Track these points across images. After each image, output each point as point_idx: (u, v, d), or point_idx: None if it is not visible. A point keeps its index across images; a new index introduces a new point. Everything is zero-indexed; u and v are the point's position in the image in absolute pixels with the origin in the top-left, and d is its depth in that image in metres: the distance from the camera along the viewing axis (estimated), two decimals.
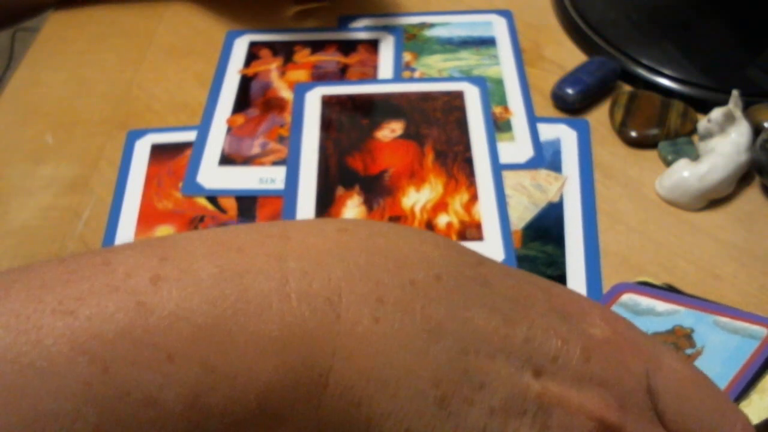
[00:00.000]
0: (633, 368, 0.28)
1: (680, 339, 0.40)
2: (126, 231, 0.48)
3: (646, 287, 0.44)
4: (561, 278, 0.45)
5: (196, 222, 0.48)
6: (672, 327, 0.41)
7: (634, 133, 0.53)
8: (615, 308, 0.42)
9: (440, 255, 0.28)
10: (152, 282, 0.24)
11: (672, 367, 0.28)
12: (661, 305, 0.43)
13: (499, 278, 0.28)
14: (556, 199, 0.50)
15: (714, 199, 0.49)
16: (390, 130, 0.54)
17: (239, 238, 0.26)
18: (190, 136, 0.55)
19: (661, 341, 0.34)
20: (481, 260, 0.29)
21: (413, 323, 0.26)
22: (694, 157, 0.50)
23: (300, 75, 0.59)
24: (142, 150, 0.53)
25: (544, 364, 0.27)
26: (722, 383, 0.36)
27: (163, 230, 0.48)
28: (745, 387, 0.36)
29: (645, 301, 0.43)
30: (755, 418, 0.35)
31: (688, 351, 0.39)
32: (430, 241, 0.28)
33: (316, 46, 0.62)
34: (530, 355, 0.26)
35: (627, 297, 0.43)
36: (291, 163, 0.52)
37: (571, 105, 0.54)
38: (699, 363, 0.38)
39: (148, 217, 0.49)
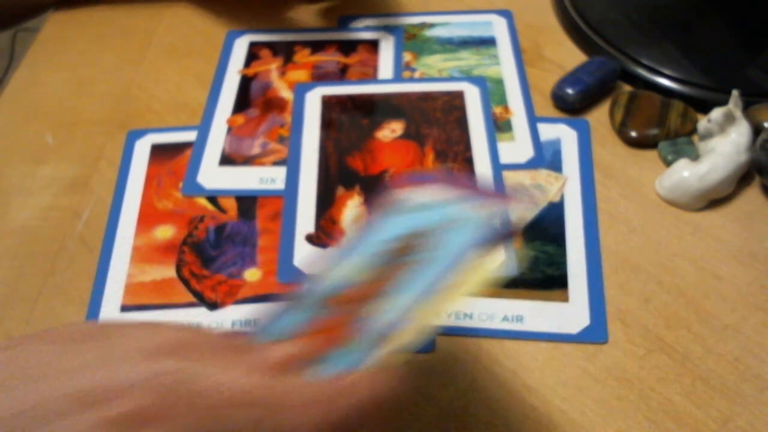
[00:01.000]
0: None
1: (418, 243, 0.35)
2: (126, 231, 0.48)
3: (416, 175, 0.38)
4: (562, 278, 0.45)
5: (196, 222, 0.48)
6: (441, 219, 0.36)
7: (634, 133, 0.53)
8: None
9: None
10: None
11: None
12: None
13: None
14: (556, 199, 0.50)
15: (714, 199, 0.49)
16: (390, 130, 0.54)
17: None
18: (190, 136, 0.54)
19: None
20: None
21: None
22: (694, 157, 0.50)
23: (300, 75, 0.59)
24: (142, 150, 0.53)
25: None
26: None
27: (163, 230, 0.48)
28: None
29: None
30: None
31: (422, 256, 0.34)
32: None
33: (316, 46, 0.62)
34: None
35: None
36: (291, 163, 0.52)
37: (571, 105, 0.54)
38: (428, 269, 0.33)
39: (148, 217, 0.49)
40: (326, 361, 0.30)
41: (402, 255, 0.35)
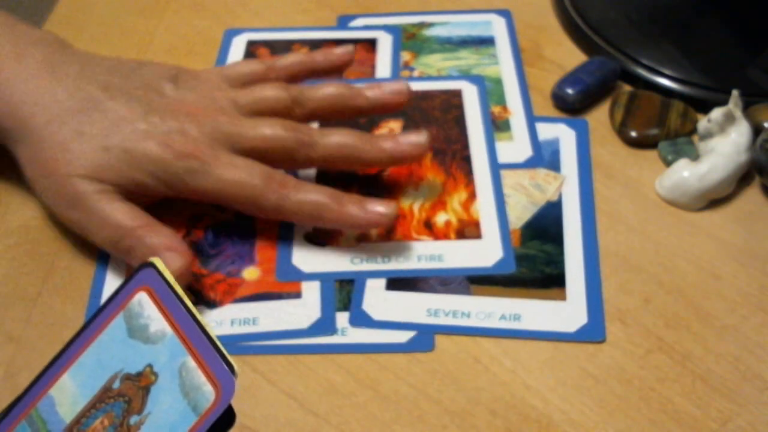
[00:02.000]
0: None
1: (139, 393, 0.32)
2: None
3: (166, 285, 0.33)
4: (560, 277, 0.45)
5: (195, 221, 0.48)
6: (145, 366, 0.32)
7: (634, 133, 0.53)
8: (119, 318, 0.34)
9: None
10: None
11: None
12: (157, 324, 0.33)
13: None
14: (554, 199, 0.50)
15: (714, 199, 0.49)
16: (388, 129, 0.54)
17: None
18: None
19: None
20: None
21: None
22: (694, 157, 0.50)
23: None
24: None
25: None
26: None
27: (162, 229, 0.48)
28: None
29: (147, 313, 0.33)
30: None
31: (133, 419, 0.31)
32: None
33: (314, 45, 0.61)
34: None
35: (139, 298, 0.34)
36: None
37: (571, 105, 0.54)
38: None
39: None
40: None
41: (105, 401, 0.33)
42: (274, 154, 0.46)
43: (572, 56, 0.59)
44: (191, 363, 0.31)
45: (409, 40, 0.61)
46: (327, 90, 0.49)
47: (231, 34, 0.62)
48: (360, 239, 0.47)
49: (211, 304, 0.44)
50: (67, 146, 0.44)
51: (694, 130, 0.53)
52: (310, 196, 0.44)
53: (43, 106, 0.45)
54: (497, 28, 0.62)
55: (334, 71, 0.53)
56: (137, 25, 0.64)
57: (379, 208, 0.44)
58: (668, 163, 0.51)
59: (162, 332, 0.33)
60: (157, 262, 0.34)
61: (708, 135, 0.49)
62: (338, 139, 0.46)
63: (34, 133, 0.45)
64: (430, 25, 0.63)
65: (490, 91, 0.57)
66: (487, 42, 0.61)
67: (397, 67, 0.59)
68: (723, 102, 0.49)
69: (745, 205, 0.49)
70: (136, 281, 0.34)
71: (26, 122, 0.45)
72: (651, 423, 0.39)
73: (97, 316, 0.34)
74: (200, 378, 0.31)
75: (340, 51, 0.53)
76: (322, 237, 0.48)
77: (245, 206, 0.45)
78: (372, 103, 0.49)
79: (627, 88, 0.57)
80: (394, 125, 0.54)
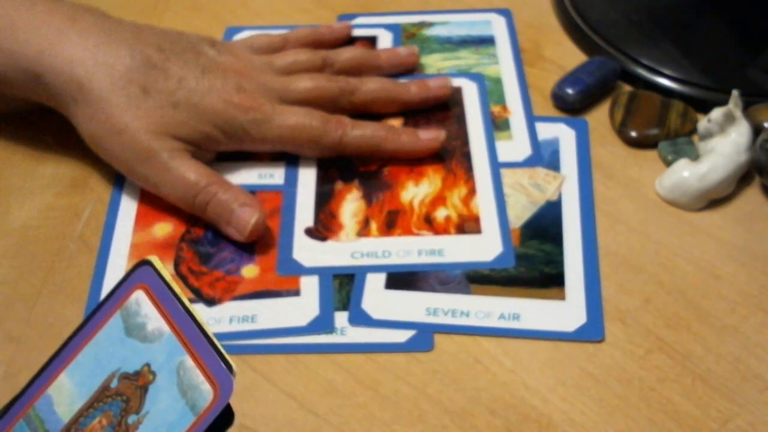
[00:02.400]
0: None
1: (137, 392, 0.32)
2: (124, 229, 0.48)
3: (164, 283, 0.33)
4: (559, 276, 0.45)
5: (194, 220, 0.48)
6: (142, 366, 0.32)
7: (634, 133, 0.52)
8: (115, 316, 0.34)
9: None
10: None
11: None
12: (154, 322, 0.33)
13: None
14: (554, 198, 0.50)
15: (714, 199, 0.49)
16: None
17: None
18: None
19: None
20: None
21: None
22: (694, 157, 0.50)
23: None
24: None
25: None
26: None
27: (162, 228, 0.48)
28: None
29: (144, 311, 0.33)
30: None
31: (131, 419, 0.31)
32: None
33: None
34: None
35: (136, 297, 0.34)
36: (290, 158, 0.52)
37: (571, 105, 0.54)
38: None
39: (146, 215, 0.49)
40: None
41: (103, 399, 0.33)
42: (320, 101, 0.51)
43: (572, 56, 0.59)
44: (189, 362, 0.31)
45: (409, 39, 0.61)
46: (372, 85, 0.53)
47: (232, 32, 0.62)
48: (360, 234, 0.47)
49: (210, 302, 0.44)
50: (135, 103, 0.46)
51: (694, 130, 0.53)
52: (367, 131, 0.50)
53: (105, 66, 0.46)
54: (497, 27, 0.62)
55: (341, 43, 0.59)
56: None
57: (430, 134, 0.50)
58: (668, 163, 0.51)
59: (159, 331, 0.32)
60: (154, 260, 0.33)
61: (708, 135, 0.49)
62: (376, 84, 0.53)
63: (96, 91, 0.46)
64: (430, 24, 0.63)
65: (490, 91, 0.57)
66: (486, 42, 0.61)
67: None
68: (723, 102, 0.49)
69: (745, 205, 0.49)
70: (133, 279, 0.34)
71: (88, 81, 0.46)
72: (651, 423, 0.39)
73: (95, 315, 0.34)
74: (198, 377, 0.31)
75: (340, 26, 0.60)
76: (323, 232, 0.48)
77: (307, 148, 0.50)
78: (418, 97, 0.54)
79: (627, 88, 0.57)
80: (394, 121, 0.54)
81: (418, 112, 0.55)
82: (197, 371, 0.31)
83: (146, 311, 0.33)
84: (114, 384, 0.32)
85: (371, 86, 0.52)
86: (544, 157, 0.52)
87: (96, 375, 0.33)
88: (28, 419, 0.34)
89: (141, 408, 0.31)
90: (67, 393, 0.33)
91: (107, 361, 0.33)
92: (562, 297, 0.44)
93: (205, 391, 0.30)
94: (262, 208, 0.46)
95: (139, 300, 0.33)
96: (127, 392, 0.32)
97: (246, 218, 0.45)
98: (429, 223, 0.48)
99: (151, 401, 0.31)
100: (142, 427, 0.31)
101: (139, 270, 0.34)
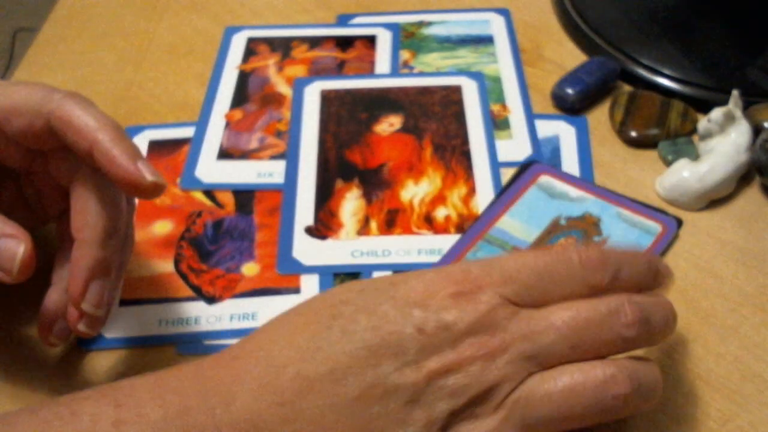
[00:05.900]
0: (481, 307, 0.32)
1: (590, 226, 0.46)
2: None
3: (561, 170, 0.49)
4: None
5: (194, 217, 0.48)
6: (582, 214, 0.46)
7: (634, 133, 0.52)
8: (532, 189, 0.48)
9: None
10: (114, 426, 0.29)
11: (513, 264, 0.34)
12: (573, 191, 0.48)
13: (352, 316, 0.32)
14: None
15: (714, 199, 0.49)
16: (389, 124, 0.54)
17: (174, 382, 0.32)
18: (187, 132, 0.54)
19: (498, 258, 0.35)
20: (336, 313, 0.32)
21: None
22: (694, 157, 0.50)
23: (298, 70, 0.59)
24: (139, 146, 0.53)
25: (413, 357, 0.31)
26: None
27: (162, 226, 0.48)
28: None
29: (559, 185, 0.48)
30: None
31: (596, 238, 0.45)
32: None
33: (314, 42, 0.61)
34: (401, 358, 0.31)
35: (544, 179, 0.49)
36: (290, 156, 0.52)
37: (571, 105, 0.54)
38: None
39: (146, 213, 0.49)
40: None
41: (558, 233, 0.45)
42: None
43: (572, 56, 0.59)
44: (625, 212, 0.46)
45: (408, 39, 0.61)
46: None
47: (231, 31, 0.62)
48: (360, 233, 0.47)
49: (211, 300, 0.44)
50: None
51: (694, 130, 0.53)
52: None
53: None
54: (496, 26, 0.62)
55: None
56: (137, 25, 0.63)
57: None
58: (668, 163, 0.51)
59: (582, 197, 0.47)
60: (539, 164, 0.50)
61: (708, 135, 0.49)
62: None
63: None
64: (429, 23, 0.63)
65: (489, 90, 0.57)
66: (485, 41, 0.61)
67: (396, 63, 0.59)
68: (723, 102, 0.49)
69: (745, 205, 0.49)
70: (530, 172, 0.49)
71: None
72: (651, 423, 0.39)
73: (501, 196, 0.48)
74: (641, 219, 0.46)
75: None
76: (322, 230, 0.47)
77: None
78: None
79: (627, 88, 0.57)
80: (394, 120, 0.54)
81: (419, 112, 0.54)
82: (638, 216, 0.46)
83: (561, 187, 0.48)
84: (562, 222, 0.46)
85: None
86: (545, 155, 0.52)
87: (539, 217, 0.46)
88: (487, 240, 0.45)
89: (601, 234, 0.45)
90: (518, 227, 0.46)
91: (543, 211, 0.47)
92: None
93: (653, 226, 0.46)
94: (28, 237, 0.35)
95: (550, 180, 0.48)
96: (580, 226, 0.46)
97: (13, 249, 0.35)
98: (429, 222, 0.48)
99: (606, 231, 0.45)
100: (609, 241, 0.44)
101: (530, 168, 0.49)
